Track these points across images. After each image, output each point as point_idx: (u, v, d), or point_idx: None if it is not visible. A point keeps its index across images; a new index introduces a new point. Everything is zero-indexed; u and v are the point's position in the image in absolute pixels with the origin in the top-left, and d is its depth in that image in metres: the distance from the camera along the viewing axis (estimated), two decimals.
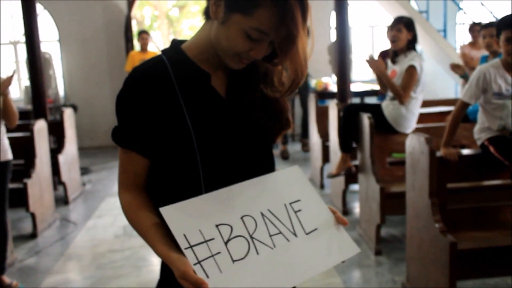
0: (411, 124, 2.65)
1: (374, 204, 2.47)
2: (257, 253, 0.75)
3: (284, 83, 0.81)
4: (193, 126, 0.75)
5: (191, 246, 0.69)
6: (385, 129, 2.65)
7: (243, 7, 0.73)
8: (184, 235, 0.70)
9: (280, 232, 0.79)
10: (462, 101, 1.93)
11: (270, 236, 0.78)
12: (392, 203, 2.37)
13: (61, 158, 3.44)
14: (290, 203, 0.83)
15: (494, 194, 2.30)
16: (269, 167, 0.84)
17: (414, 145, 1.92)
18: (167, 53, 0.81)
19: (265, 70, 0.82)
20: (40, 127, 3.07)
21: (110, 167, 4.79)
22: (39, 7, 4.68)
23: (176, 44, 0.82)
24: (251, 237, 0.75)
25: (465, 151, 2.17)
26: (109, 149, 5.51)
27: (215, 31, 0.76)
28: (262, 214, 0.79)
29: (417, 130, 2.57)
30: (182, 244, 0.69)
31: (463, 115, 1.98)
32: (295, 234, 0.80)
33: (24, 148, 2.93)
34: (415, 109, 2.64)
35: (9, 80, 2.03)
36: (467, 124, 2.40)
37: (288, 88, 0.79)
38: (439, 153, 1.93)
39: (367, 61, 2.63)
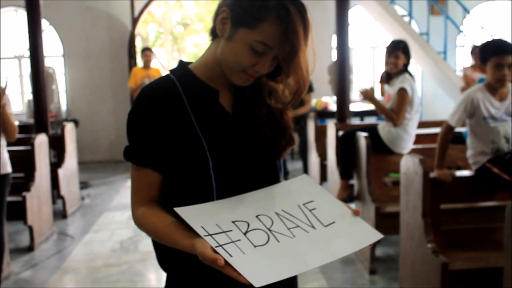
0: (407, 144, 2.68)
1: (370, 223, 2.44)
2: (278, 241, 0.75)
3: (287, 96, 0.86)
4: (205, 140, 0.79)
5: (210, 234, 0.70)
6: (382, 150, 2.68)
7: (249, 21, 0.79)
8: (202, 227, 0.71)
9: (298, 226, 0.79)
10: (448, 124, 1.97)
11: (289, 229, 0.78)
12: (387, 223, 2.39)
13: (61, 172, 3.45)
14: (304, 204, 0.85)
15: (488, 216, 2.31)
16: (276, 181, 0.87)
17: (409, 165, 1.95)
18: (175, 72, 0.86)
19: (270, 88, 0.87)
20: (41, 141, 3.09)
21: (109, 182, 4.78)
22: (44, 22, 4.75)
23: (183, 64, 0.87)
24: (269, 230, 0.76)
25: (459, 173, 2.19)
26: (109, 164, 5.51)
27: (222, 48, 0.81)
28: (277, 213, 0.80)
29: (413, 151, 2.59)
30: (201, 233, 0.70)
31: (451, 137, 2.01)
32: (313, 227, 0.81)
33: (24, 161, 2.95)
34: (411, 130, 2.68)
35: (2, 91, 2.00)
36: (463, 145, 2.42)
37: (291, 99, 0.83)
38: (433, 174, 1.95)
39: (361, 93, 2.73)
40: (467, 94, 1.93)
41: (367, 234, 0.83)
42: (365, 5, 5.00)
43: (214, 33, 0.82)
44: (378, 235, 0.82)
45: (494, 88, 1.90)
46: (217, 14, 0.81)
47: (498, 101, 1.92)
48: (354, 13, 5.60)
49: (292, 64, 0.79)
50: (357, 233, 0.83)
